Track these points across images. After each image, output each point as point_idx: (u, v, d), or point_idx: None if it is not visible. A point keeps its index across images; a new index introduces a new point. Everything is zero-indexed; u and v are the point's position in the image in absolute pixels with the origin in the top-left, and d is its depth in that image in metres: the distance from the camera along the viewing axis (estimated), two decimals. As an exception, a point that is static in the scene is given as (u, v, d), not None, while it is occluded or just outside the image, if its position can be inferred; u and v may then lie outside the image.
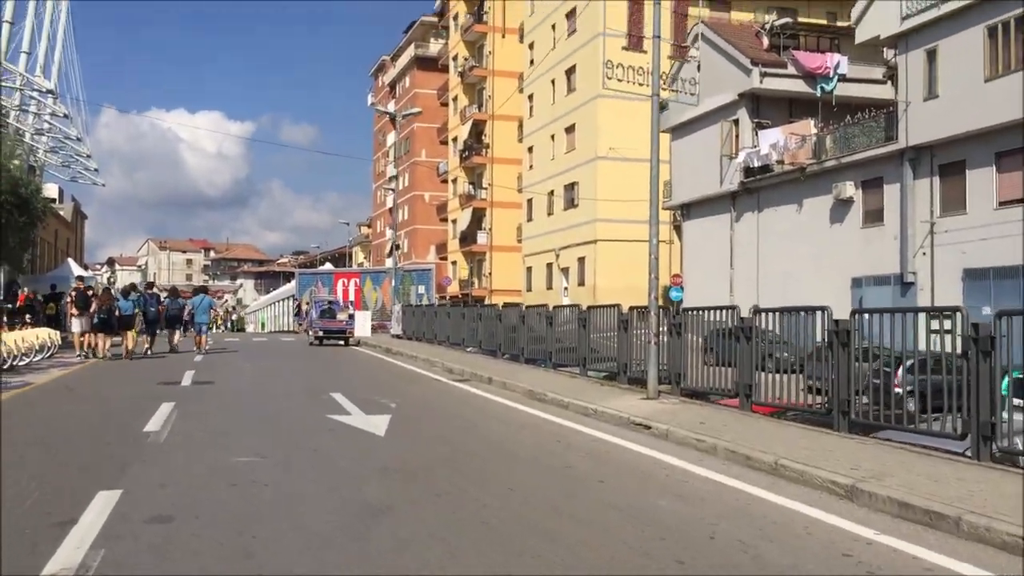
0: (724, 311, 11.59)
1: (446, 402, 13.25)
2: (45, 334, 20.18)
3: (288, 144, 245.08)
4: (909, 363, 8.74)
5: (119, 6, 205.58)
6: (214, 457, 8.07)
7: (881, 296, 26.38)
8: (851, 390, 8.81)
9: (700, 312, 12.48)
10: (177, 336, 23.82)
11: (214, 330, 33.57)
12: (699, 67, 12.51)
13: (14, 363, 17.02)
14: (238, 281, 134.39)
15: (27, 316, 23.27)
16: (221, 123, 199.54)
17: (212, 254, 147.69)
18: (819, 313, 9.40)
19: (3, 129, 35.40)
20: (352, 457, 8.27)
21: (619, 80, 11.97)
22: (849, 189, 28.05)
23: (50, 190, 46.09)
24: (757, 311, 10.61)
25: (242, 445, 8.84)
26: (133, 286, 24.64)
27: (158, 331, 23.30)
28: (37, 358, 18.76)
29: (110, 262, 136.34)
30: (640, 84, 12.09)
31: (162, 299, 23.92)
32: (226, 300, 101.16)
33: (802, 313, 10.01)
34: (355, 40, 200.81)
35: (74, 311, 21.25)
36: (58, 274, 38.74)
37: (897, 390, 8.80)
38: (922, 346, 8.64)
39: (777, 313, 10.46)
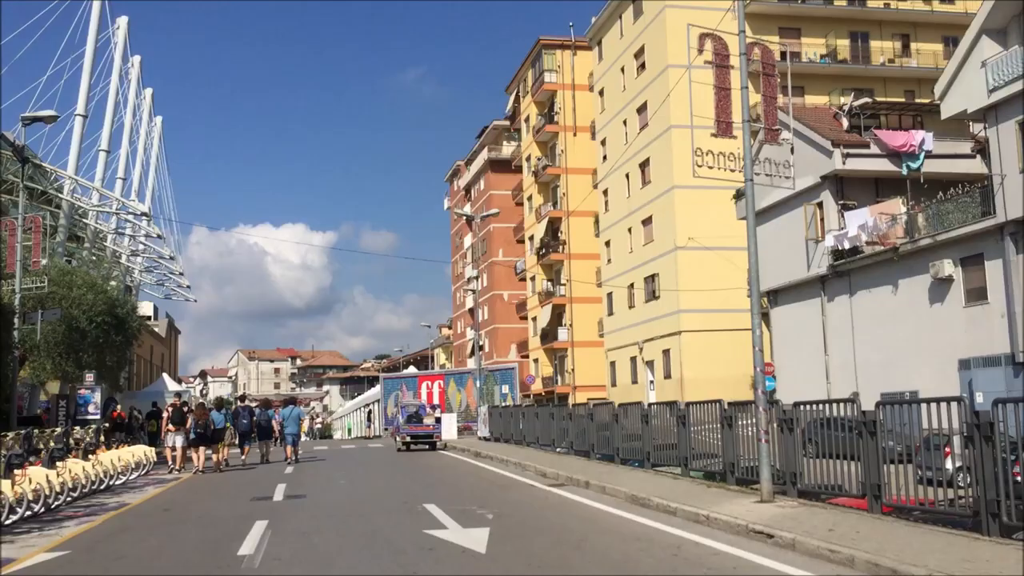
0: (842, 404, 10.78)
1: (544, 510, 12.61)
2: (141, 452, 20.46)
3: (368, 251, 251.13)
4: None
5: (205, 127, 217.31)
6: (312, 584, 7.67)
7: (992, 378, 24.79)
8: (1000, 490, 7.94)
9: (815, 406, 11.63)
10: (269, 447, 24.24)
11: (303, 439, 33.68)
12: (792, 149, 12.12)
13: (110, 483, 17.13)
14: (324, 387, 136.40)
15: (120, 433, 23.65)
16: (304, 235, 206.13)
17: (299, 362, 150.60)
18: (954, 404, 8.61)
19: (101, 253, 36.99)
20: (456, 580, 7.76)
21: (709, 168, 11.64)
22: (948, 267, 26.80)
23: (145, 308, 47.79)
24: (880, 404, 9.83)
25: (340, 569, 8.43)
26: (222, 400, 25.01)
27: (249, 442, 23.74)
28: (133, 476, 18.93)
29: (202, 374, 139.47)
30: (731, 171, 11.73)
31: (254, 411, 24.22)
32: (312, 407, 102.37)
33: (932, 404, 9.17)
34: (430, 147, 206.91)
35: (170, 427, 21.59)
36: (153, 389, 39.59)
37: (1018, 478, 7.98)
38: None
39: (903, 406, 9.67)
